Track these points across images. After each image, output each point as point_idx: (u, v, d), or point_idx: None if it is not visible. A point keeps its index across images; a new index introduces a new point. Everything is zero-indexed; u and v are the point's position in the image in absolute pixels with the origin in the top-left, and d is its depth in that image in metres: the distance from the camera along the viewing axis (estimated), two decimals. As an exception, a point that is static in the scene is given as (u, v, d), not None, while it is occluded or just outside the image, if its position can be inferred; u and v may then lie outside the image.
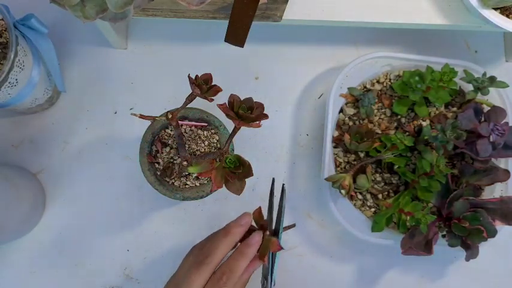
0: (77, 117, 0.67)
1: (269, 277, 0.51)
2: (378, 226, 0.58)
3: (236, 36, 0.44)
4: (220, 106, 0.43)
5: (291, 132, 0.67)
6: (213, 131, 0.58)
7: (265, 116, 0.43)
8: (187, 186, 0.57)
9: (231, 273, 0.48)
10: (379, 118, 0.63)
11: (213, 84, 0.45)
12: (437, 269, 0.64)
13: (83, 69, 0.68)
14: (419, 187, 0.57)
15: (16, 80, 0.54)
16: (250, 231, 0.51)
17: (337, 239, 0.65)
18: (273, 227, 0.51)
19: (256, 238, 0.50)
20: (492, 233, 0.54)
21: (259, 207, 0.51)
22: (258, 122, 0.43)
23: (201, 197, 0.56)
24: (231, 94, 0.43)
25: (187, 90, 0.45)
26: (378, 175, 0.61)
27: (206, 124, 0.58)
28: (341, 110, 0.63)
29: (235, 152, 0.55)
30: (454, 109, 0.63)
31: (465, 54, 0.70)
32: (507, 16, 0.56)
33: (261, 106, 0.44)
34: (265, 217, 0.52)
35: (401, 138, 0.58)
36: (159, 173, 0.57)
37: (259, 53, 0.69)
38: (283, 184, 0.50)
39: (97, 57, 0.68)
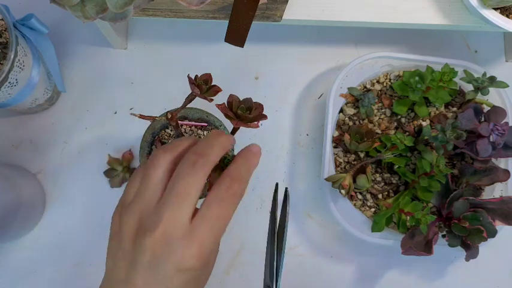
0: (77, 117, 0.67)
1: (274, 285, 0.49)
2: (378, 226, 0.58)
3: (236, 36, 0.44)
4: (219, 106, 0.43)
5: (291, 132, 0.67)
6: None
7: (264, 117, 0.43)
8: (187, 186, 0.57)
9: (241, 181, 0.37)
10: (379, 118, 0.63)
11: (212, 84, 0.45)
12: (437, 269, 0.64)
13: (83, 69, 0.68)
14: (419, 187, 0.57)
15: (16, 80, 0.54)
16: None
17: (337, 239, 0.65)
18: (276, 232, 0.50)
19: (257, 148, 0.40)
20: (492, 233, 0.54)
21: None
22: (256, 123, 0.43)
23: (201, 197, 0.56)
24: (230, 94, 0.43)
25: (187, 90, 0.45)
26: (378, 175, 0.61)
27: (206, 124, 0.58)
28: (341, 110, 0.63)
29: (235, 152, 0.55)
30: (454, 109, 0.63)
31: (465, 54, 0.70)
32: (507, 16, 0.56)
33: (260, 106, 0.44)
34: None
35: (401, 138, 0.58)
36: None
37: (259, 53, 0.69)
38: (286, 188, 0.49)
39: (97, 57, 0.68)
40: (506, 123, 0.57)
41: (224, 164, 0.45)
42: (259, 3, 0.40)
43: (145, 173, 0.38)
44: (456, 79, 0.60)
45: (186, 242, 0.35)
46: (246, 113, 0.42)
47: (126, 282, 0.36)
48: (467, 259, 0.56)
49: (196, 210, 0.36)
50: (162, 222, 0.35)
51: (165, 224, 0.35)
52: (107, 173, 0.64)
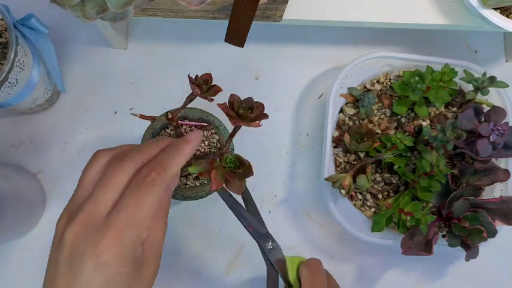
0: (76, 117, 0.67)
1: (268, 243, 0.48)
2: (378, 226, 0.58)
3: (236, 36, 0.44)
4: (221, 106, 0.43)
5: (291, 132, 0.67)
6: (213, 131, 0.58)
7: (265, 116, 0.43)
8: (187, 186, 0.57)
9: (162, 169, 0.36)
10: (379, 118, 0.63)
11: (213, 84, 0.45)
12: (437, 269, 0.64)
13: (82, 69, 0.68)
14: (419, 187, 0.57)
15: (16, 80, 0.54)
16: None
17: (337, 239, 0.65)
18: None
19: (196, 135, 0.40)
20: (492, 233, 0.54)
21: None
22: (258, 122, 0.43)
23: (201, 197, 0.56)
24: (232, 94, 0.43)
25: (188, 90, 0.45)
26: (378, 175, 0.61)
27: (206, 124, 0.58)
28: (341, 110, 0.63)
29: (236, 152, 0.55)
30: (454, 109, 0.63)
31: (465, 54, 0.70)
32: (507, 16, 0.56)
33: (261, 106, 0.44)
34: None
35: (401, 138, 0.58)
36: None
37: (259, 53, 0.69)
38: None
39: (97, 57, 0.68)
40: (506, 123, 0.57)
41: (226, 163, 0.45)
42: (259, 3, 0.40)
43: (81, 175, 0.37)
44: (456, 79, 0.60)
45: (101, 231, 0.33)
46: (248, 112, 0.42)
47: (51, 284, 0.34)
48: (467, 259, 0.56)
49: None
50: (82, 213, 0.34)
51: (85, 214, 0.34)
52: (107, 173, 0.64)
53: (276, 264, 0.46)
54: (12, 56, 0.51)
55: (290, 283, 0.46)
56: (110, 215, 0.34)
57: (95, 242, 0.33)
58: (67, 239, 0.34)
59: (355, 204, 0.60)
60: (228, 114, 0.42)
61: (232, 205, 0.48)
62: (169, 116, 0.46)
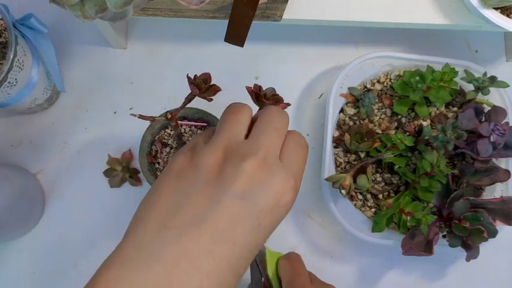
0: (76, 117, 0.67)
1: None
2: (378, 226, 0.57)
3: (236, 36, 0.44)
4: (249, 88, 0.44)
5: (291, 132, 0.67)
6: (213, 131, 0.58)
7: (285, 102, 0.45)
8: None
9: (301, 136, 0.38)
10: (380, 118, 0.62)
11: (212, 83, 0.45)
12: (438, 269, 0.64)
13: (82, 69, 0.68)
14: (420, 187, 0.57)
15: (15, 79, 0.54)
16: None
17: (337, 239, 0.64)
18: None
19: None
20: (493, 233, 0.54)
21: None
22: (285, 103, 0.44)
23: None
24: (254, 84, 0.45)
25: (187, 90, 0.44)
26: (378, 175, 0.61)
27: (206, 124, 0.58)
28: (341, 110, 0.63)
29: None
30: (455, 109, 0.63)
31: (466, 54, 0.70)
32: (508, 16, 0.56)
33: (276, 95, 0.46)
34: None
35: (402, 138, 0.58)
36: (159, 173, 0.57)
37: (259, 53, 0.69)
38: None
39: (97, 57, 0.68)
40: (507, 123, 0.57)
41: None
42: (259, 2, 0.40)
43: (227, 117, 0.36)
44: (457, 79, 0.60)
45: (286, 172, 0.32)
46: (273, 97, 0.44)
47: (200, 222, 0.29)
48: (467, 259, 0.56)
49: None
50: (263, 147, 0.32)
51: (266, 150, 0.33)
52: (106, 173, 0.64)
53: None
54: (11, 56, 0.51)
55: (268, 277, 0.45)
56: (285, 160, 0.34)
57: (280, 180, 0.32)
58: (247, 169, 0.31)
59: (355, 205, 0.60)
60: (258, 96, 0.43)
61: None
62: (169, 116, 0.46)
